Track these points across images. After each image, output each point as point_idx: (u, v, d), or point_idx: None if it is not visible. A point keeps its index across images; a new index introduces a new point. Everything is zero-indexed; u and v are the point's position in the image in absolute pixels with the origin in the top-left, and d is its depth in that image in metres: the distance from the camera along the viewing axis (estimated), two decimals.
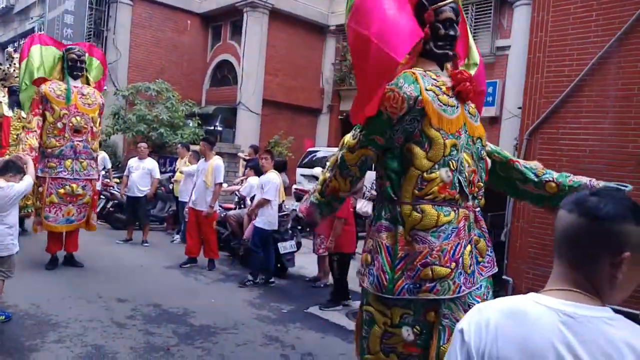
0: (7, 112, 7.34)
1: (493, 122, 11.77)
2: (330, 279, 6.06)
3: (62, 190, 5.86)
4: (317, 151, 12.50)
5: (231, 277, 6.42)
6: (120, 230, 8.58)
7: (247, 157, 9.50)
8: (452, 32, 2.43)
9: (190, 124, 13.07)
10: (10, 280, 4.23)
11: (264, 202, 6.06)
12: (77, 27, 14.69)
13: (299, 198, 9.70)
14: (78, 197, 5.98)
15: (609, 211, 0.99)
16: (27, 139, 5.60)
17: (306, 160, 12.23)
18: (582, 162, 4.85)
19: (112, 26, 15.02)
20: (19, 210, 4.62)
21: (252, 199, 6.90)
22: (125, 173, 8.25)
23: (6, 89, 7.65)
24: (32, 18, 19.44)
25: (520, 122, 5.63)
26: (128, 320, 4.48)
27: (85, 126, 6.00)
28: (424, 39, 2.40)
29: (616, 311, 0.99)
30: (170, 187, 9.35)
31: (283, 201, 6.73)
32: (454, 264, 2.27)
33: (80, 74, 6.14)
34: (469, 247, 2.35)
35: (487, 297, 2.42)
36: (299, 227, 7.16)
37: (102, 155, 8.97)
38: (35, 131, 5.70)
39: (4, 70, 7.90)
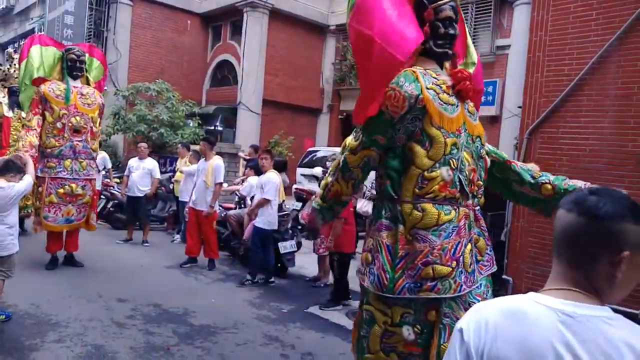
0: (7, 112, 7.34)
1: (493, 122, 11.77)
2: (331, 279, 6.06)
3: (61, 190, 5.86)
4: (317, 151, 12.51)
5: (231, 277, 6.42)
6: (121, 230, 8.59)
7: (248, 157, 9.50)
8: (451, 31, 2.44)
9: (191, 124, 13.08)
10: (10, 280, 4.23)
11: (264, 202, 6.06)
12: (77, 28, 14.69)
13: (299, 198, 9.70)
14: (78, 197, 5.98)
15: (608, 210, 0.99)
16: (27, 136, 5.61)
17: (306, 160, 12.23)
18: (582, 161, 4.85)
19: (112, 26, 15.03)
20: (19, 211, 4.62)
21: (252, 198, 6.90)
22: (125, 173, 8.26)
23: (6, 89, 7.65)
24: (32, 19, 19.43)
25: (520, 121, 5.63)
26: (128, 320, 4.48)
27: (85, 126, 6.00)
28: (424, 38, 2.40)
29: (615, 311, 0.99)
30: (171, 187, 9.35)
31: (283, 201, 6.74)
32: (455, 262, 2.26)
33: (79, 74, 6.13)
34: (469, 246, 2.35)
35: (487, 295, 2.42)
36: (299, 227, 7.16)
37: (103, 155, 8.99)
38: (35, 129, 5.71)
39: (4, 71, 7.90)
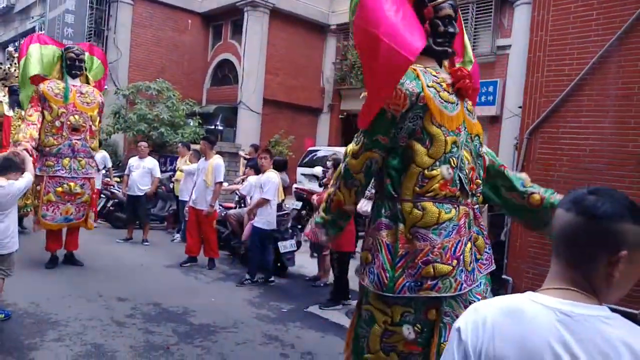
0: (8, 111, 7.34)
1: (494, 122, 11.77)
2: (331, 278, 6.06)
3: (59, 189, 5.86)
4: (318, 150, 12.51)
5: (231, 276, 6.42)
6: (121, 229, 8.59)
7: (248, 156, 9.50)
8: (451, 29, 2.43)
9: (191, 123, 13.09)
10: (9, 279, 4.22)
11: (263, 202, 6.06)
12: (77, 27, 14.70)
13: (299, 197, 9.70)
14: (76, 195, 5.98)
15: (607, 210, 0.99)
16: (28, 129, 5.59)
17: (307, 159, 12.23)
18: (582, 161, 4.85)
19: (113, 25, 15.03)
20: (18, 210, 4.62)
21: (252, 198, 6.90)
22: (125, 172, 8.27)
23: (7, 88, 7.65)
24: (32, 17, 19.44)
25: (520, 121, 5.63)
26: (128, 319, 4.48)
27: (84, 125, 5.99)
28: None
29: (615, 310, 0.98)
30: (171, 186, 9.35)
31: (283, 200, 6.73)
32: (455, 261, 2.26)
33: (79, 72, 6.13)
34: (469, 245, 2.35)
35: (486, 294, 2.42)
36: (299, 227, 7.15)
37: (103, 154, 8.99)
38: (35, 124, 5.69)
39: (4, 70, 7.90)
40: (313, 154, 12.27)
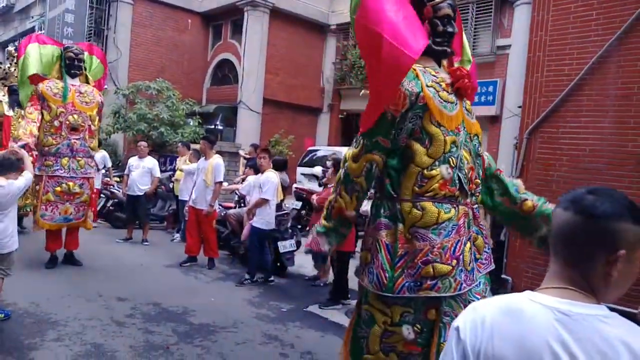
0: (8, 111, 7.34)
1: (493, 121, 11.76)
2: (330, 278, 6.06)
3: (58, 189, 5.85)
4: (318, 150, 12.50)
5: (231, 276, 6.42)
6: (120, 229, 8.59)
7: (248, 156, 9.50)
8: (450, 29, 2.43)
9: (191, 123, 13.09)
10: (9, 279, 4.23)
11: (263, 202, 6.05)
12: (77, 26, 14.69)
13: (299, 197, 9.70)
14: (75, 195, 5.97)
15: (606, 209, 0.99)
16: (28, 125, 5.58)
17: (306, 159, 12.23)
18: (582, 161, 4.85)
19: (113, 25, 15.03)
20: (18, 210, 4.62)
21: (251, 198, 6.89)
22: (125, 172, 8.27)
23: (6, 88, 7.65)
24: (32, 17, 19.44)
25: (520, 121, 5.63)
26: (127, 319, 4.48)
27: (83, 124, 5.99)
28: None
29: (614, 310, 0.98)
30: (171, 186, 9.35)
31: (282, 200, 6.73)
32: (455, 261, 2.26)
33: (78, 72, 6.12)
34: (468, 244, 2.35)
35: (486, 293, 2.42)
36: (299, 227, 7.16)
37: (103, 154, 8.98)
38: (35, 122, 5.69)
39: (4, 70, 7.89)
40: (313, 154, 12.26)
